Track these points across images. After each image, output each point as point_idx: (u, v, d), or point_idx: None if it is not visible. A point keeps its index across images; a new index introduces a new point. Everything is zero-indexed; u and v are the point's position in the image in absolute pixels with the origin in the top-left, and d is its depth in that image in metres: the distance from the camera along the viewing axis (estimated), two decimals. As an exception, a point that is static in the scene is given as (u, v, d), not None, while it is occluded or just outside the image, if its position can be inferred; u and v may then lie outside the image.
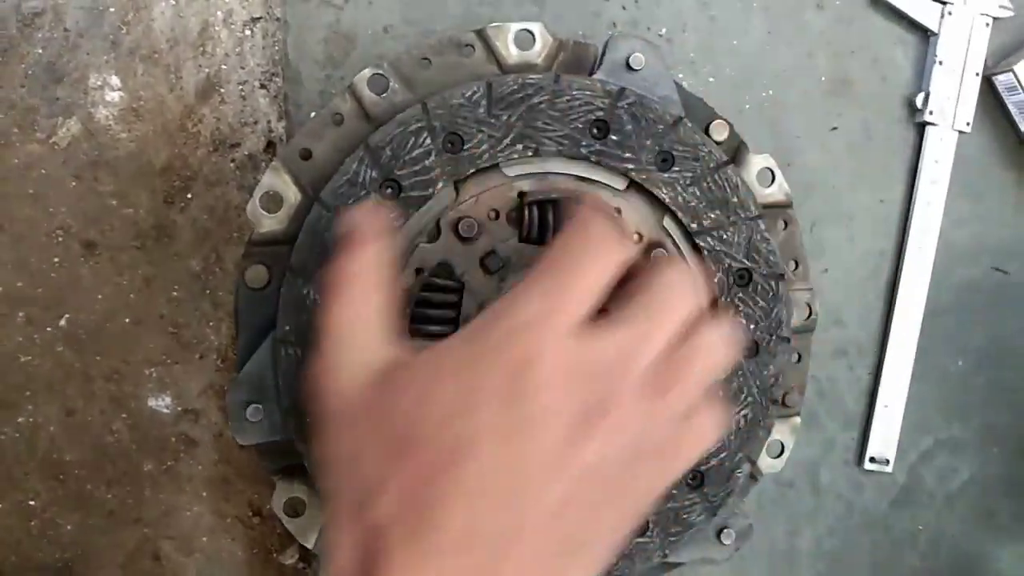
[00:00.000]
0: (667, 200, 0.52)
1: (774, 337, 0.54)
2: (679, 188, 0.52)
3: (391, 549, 0.32)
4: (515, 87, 0.50)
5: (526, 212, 0.50)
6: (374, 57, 0.62)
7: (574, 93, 0.50)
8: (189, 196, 0.63)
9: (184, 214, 0.63)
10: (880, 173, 0.73)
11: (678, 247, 0.53)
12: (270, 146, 0.63)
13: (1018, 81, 0.71)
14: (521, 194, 0.51)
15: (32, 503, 0.63)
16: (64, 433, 0.63)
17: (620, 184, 0.52)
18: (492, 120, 0.50)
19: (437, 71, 0.52)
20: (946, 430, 0.76)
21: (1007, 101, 0.73)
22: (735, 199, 0.53)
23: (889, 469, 0.74)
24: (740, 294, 0.53)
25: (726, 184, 0.53)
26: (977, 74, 0.72)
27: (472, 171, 0.50)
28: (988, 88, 0.73)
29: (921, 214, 0.73)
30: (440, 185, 0.50)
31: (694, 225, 0.52)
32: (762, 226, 0.53)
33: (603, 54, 0.53)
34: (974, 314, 0.76)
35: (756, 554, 0.73)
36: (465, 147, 0.50)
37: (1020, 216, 0.76)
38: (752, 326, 0.53)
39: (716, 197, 0.53)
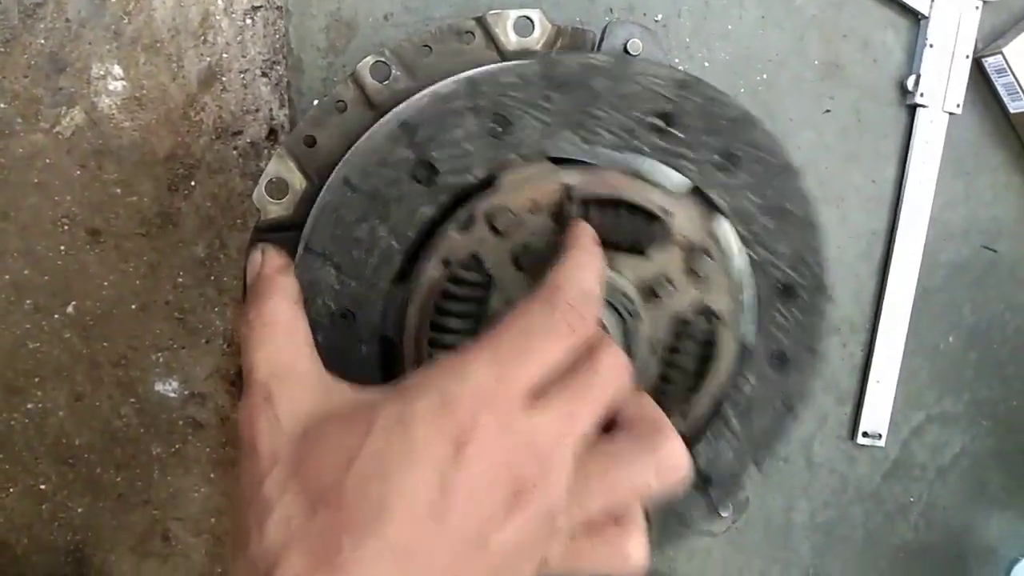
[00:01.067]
0: (724, 206, 0.49)
1: (806, 350, 0.52)
2: (739, 193, 0.49)
3: None
4: (575, 68, 0.47)
5: (570, 209, 0.46)
6: (375, 45, 0.63)
7: (639, 79, 0.47)
8: (193, 184, 0.63)
9: (188, 201, 0.63)
10: (872, 154, 0.74)
11: (723, 254, 0.49)
12: (272, 133, 0.64)
13: (1007, 63, 0.72)
14: (566, 187, 0.47)
15: (43, 487, 0.64)
16: (73, 418, 0.64)
17: (679, 184, 0.48)
18: (544, 103, 0.47)
19: (438, 58, 0.53)
20: (937, 405, 0.78)
21: (996, 83, 0.74)
22: (790, 206, 0.49)
23: (882, 443, 0.76)
24: (779, 304, 0.51)
25: (785, 189, 0.49)
26: (967, 57, 0.73)
27: (514, 157, 0.47)
28: (978, 70, 0.75)
29: (912, 194, 0.74)
30: (479, 171, 0.47)
31: (747, 233, 0.49)
32: (814, 237, 0.50)
33: (601, 40, 0.54)
34: (964, 292, 0.78)
35: (753, 526, 0.74)
36: (511, 131, 0.47)
37: (1009, 196, 0.78)
38: (784, 336, 0.51)
39: (773, 204, 0.49)
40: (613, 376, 0.37)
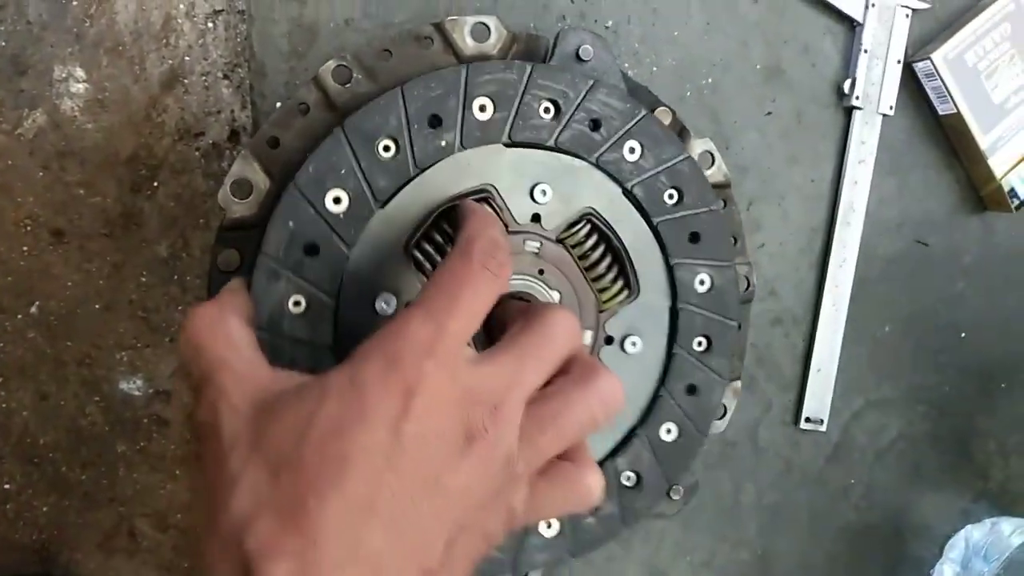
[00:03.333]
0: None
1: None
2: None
3: (269, 573, 0.31)
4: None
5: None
6: (336, 49, 0.65)
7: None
8: (155, 184, 0.64)
9: (151, 202, 0.64)
10: (811, 154, 0.78)
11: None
12: (234, 135, 0.65)
13: (935, 68, 0.76)
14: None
15: (7, 487, 0.65)
16: (38, 417, 0.64)
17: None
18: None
19: (398, 62, 0.55)
20: (876, 391, 0.82)
21: (926, 86, 0.78)
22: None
23: (823, 428, 0.80)
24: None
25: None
26: (899, 61, 0.77)
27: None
28: (909, 74, 0.78)
29: (849, 192, 0.78)
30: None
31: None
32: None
33: (554, 46, 0.56)
34: (900, 283, 0.82)
35: (703, 508, 0.78)
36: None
37: (939, 192, 0.82)
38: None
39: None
40: (563, 337, 0.40)
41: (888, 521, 0.84)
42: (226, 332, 0.42)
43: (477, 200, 0.53)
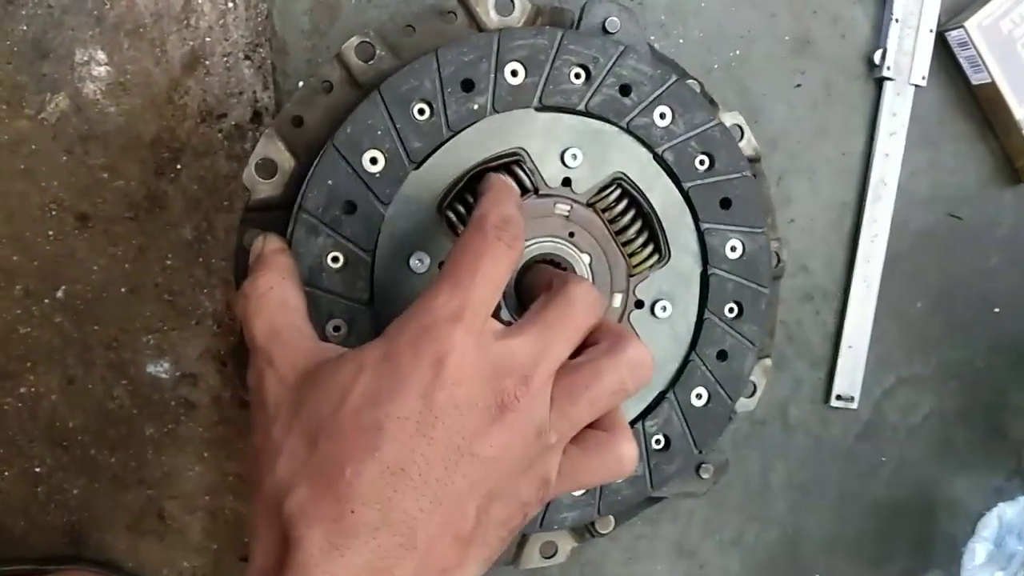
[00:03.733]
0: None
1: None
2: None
3: (305, 537, 0.33)
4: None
5: None
6: (358, 25, 0.64)
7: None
8: (179, 167, 0.64)
9: (175, 184, 0.64)
10: (841, 127, 0.76)
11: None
12: (257, 116, 0.65)
13: (968, 37, 0.74)
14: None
15: (38, 470, 0.65)
16: (66, 401, 0.65)
17: None
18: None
19: (422, 37, 0.54)
20: (907, 368, 0.81)
21: (959, 56, 0.76)
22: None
23: (854, 406, 0.79)
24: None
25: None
26: (931, 30, 0.75)
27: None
28: (941, 44, 0.76)
29: (880, 165, 0.76)
30: None
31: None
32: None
33: (580, 18, 0.56)
34: (931, 258, 0.80)
35: (733, 487, 0.77)
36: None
37: (972, 164, 0.80)
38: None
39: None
40: (585, 309, 0.41)
41: (919, 499, 0.83)
42: (282, 298, 0.44)
43: (508, 163, 0.53)
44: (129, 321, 0.65)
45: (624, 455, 0.40)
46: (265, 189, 0.53)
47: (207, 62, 0.63)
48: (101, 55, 0.62)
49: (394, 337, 0.38)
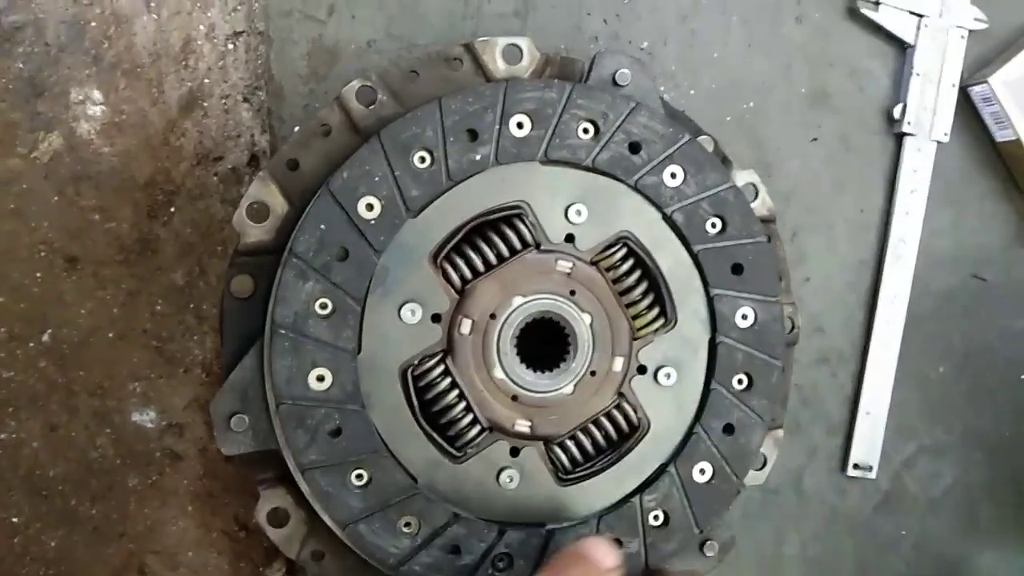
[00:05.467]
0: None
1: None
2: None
3: None
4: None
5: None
6: (358, 71, 0.63)
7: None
8: (172, 210, 0.63)
9: (167, 228, 0.63)
10: (859, 183, 0.74)
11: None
12: (253, 159, 0.64)
13: (993, 92, 0.72)
14: None
15: (15, 520, 0.63)
16: (48, 448, 0.63)
17: None
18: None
19: (425, 84, 0.53)
20: (929, 435, 0.77)
21: (983, 112, 0.74)
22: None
23: (873, 475, 0.75)
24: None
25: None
26: (953, 85, 0.73)
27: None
28: (964, 99, 0.74)
29: (900, 223, 0.74)
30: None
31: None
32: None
33: (590, 70, 0.54)
34: (954, 320, 0.77)
35: (743, 559, 0.73)
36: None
37: (997, 224, 0.78)
38: None
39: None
40: None
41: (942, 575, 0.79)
42: None
43: (509, 216, 0.51)
44: (115, 367, 0.63)
45: None
46: (256, 233, 0.51)
47: (205, 104, 0.62)
48: (97, 94, 0.61)
49: None
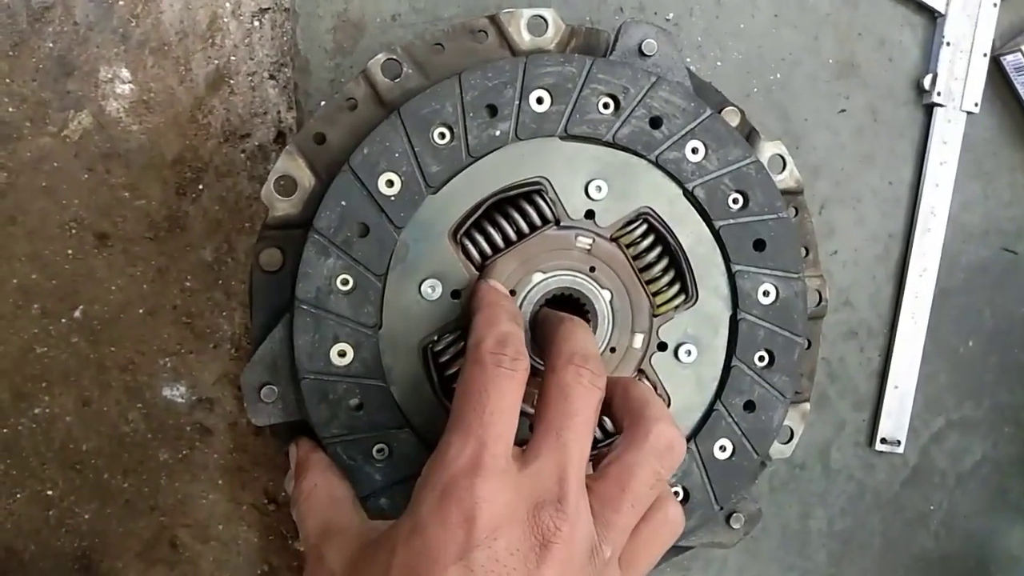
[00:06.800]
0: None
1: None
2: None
3: None
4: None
5: None
6: (383, 45, 0.62)
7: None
8: (200, 187, 0.63)
9: (196, 205, 0.63)
10: (888, 155, 0.73)
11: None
12: (280, 136, 0.64)
13: (1026, 60, 0.71)
14: None
15: (50, 493, 0.64)
16: (80, 423, 0.63)
17: None
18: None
19: (450, 56, 0.52)
20: (958, 410, 0.77)
21: (1015, 81, 0.73)
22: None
23: (900, 450, 0.75)
24: None
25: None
26: (985, 54, 0.72)
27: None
28: (996, 68, 0.73)
29: (929, 195, 0.73)
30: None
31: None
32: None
33: (615, 40, 0.54)
34: (984, 294, 0.76)
35: (769, 534, 0.73)
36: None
37: (1029, 196, 0.77)
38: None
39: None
40: (586, 393, 0.40)
41: (971, 551, 0.78)
42: (328, 492, 0.46)
43: (529, 192, 0.51)
44: (146, 343, 0.64)
45: (677, 522, 0.40)
46: (284, 207, 0.52)
47: (232, 81, 0.62)
48: (125, 73, 0.61)
49: (418, 505, 0.37)
